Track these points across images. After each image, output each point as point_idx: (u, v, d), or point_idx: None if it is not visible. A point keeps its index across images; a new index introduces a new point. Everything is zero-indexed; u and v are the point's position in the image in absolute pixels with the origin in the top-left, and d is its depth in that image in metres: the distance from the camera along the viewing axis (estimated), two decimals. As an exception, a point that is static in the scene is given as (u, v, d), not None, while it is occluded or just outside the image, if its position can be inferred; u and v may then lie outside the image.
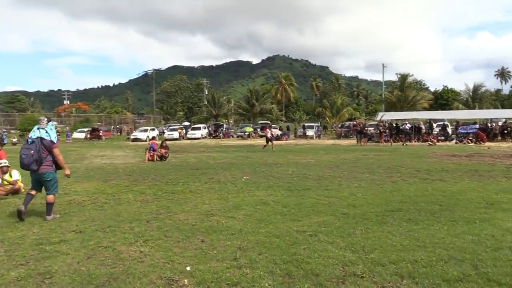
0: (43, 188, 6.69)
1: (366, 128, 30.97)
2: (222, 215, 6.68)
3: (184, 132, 46.22)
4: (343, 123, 49.11)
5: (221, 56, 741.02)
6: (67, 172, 6.93)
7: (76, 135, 47.18)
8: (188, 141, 40.00)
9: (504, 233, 5.39)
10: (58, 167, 6.71)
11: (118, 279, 4.07)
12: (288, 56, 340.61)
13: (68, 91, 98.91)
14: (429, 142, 28.95)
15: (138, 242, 5.24)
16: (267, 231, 5.64)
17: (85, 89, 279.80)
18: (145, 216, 6.75)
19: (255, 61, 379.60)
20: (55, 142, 6.57)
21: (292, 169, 13.40)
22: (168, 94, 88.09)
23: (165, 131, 47.24)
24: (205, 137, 46.48)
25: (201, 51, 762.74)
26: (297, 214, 6.69)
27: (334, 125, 51.34)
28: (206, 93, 79.46)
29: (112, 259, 4.63)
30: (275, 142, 35.34)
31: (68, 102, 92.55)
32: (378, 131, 30.64)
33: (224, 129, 50.01)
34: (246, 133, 44.46)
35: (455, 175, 11.30)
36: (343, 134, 41.07)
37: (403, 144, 29.02)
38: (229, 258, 4.57)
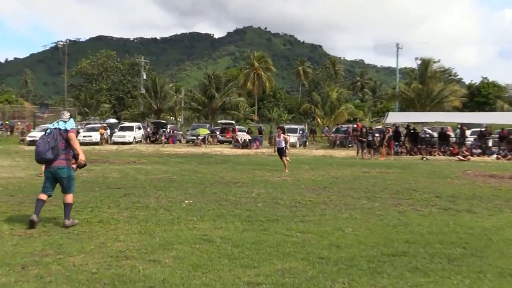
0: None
1: (373, 135, 31.14)
2: (141, 258, 6.46)
3: (109, 133, 45.66)
4: (340, 126, 49.58)
5: (169, 25, 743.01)
6: (82, 157, 8.55)
7: None
8: (114, 147, 39.53)
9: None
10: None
11: None
12: (266, 29, 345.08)
13: None
14: (460, 156, 29.49)
15: (0, 300, 4.93)
16: (203, 283, 5.46)
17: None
18: (22, 259, 6.43)
19: (217, 34, 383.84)
20: (69, 129, 8.43)
21: (258, 190, 13.36)
22: (89, 77, 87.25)
23: (81, 131, 46.49)
24: (140, 141, 46.16)
25: (140, 17, 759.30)
26: (253, 257, 6.56)
27: (326, 128, 51.73)
28: (145, 77, 79.02)
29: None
30: (241, 151, 35.53)
31: None
32: (381, 138, 30.80)
33: (169, 130, 49.68)
34: (200, 137, 44.27)
35: (490, 205, 11.45)
36: (338, 142, 41.53)
37: (422, 158, 29.48)
38: (137, 326, 4.33)
